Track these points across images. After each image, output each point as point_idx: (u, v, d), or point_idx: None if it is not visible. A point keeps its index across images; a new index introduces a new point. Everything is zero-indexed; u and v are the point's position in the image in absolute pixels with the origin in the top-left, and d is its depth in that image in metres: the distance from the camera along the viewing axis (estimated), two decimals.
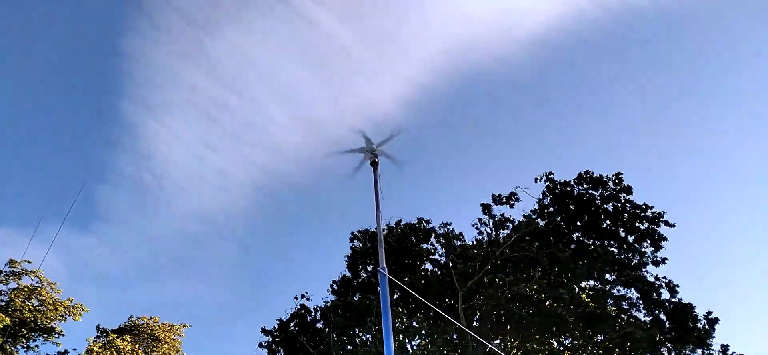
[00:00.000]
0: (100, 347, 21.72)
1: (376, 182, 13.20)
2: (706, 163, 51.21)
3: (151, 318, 23.66)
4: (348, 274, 28.67)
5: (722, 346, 22.49)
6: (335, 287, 28.48)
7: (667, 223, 24.27)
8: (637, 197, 24.79)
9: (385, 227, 27.08)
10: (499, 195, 26.09)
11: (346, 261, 28.78)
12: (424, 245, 26.97)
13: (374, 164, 13.28)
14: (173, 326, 23.89)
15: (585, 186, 25.57)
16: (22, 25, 47.35)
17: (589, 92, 52.30)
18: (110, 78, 52.94)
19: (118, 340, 21.95)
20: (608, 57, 52.93)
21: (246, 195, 53.27)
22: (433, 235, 26.93)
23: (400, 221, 27.82)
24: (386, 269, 11.79)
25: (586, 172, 25.70)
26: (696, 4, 47.88)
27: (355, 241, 29.14)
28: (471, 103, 52.55)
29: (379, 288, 14.17)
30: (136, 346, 22.55)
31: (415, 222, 27.32)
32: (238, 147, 52.62)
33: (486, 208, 26.31)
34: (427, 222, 27.26)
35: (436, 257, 26.86)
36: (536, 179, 26.18)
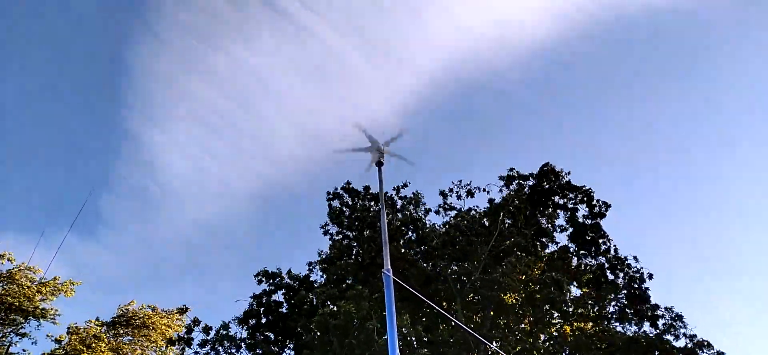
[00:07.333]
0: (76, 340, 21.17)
1: (381, 182, 13.10)
2: (700, 167, 52.00)
3: (148, 306, 23.24)
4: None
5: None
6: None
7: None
8: (632, 202, 25.16)
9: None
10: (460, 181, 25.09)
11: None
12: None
13: (379, 165, 13.14)
14: (172, 312, 23.54)
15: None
16: (27, 35, 47.54)
17: (585, 103, 52.92)
18: (115, 89, 53.52)
19: (97, 333, 21.41)
20: (603, 66, 53.44)
21: (247, 204, 53.93)
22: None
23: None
24: (391, 270, 11.72)
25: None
26: (690, 16, 48.30)
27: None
28: (469, 112, 53.17)
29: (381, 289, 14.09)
30: (117, 340, 21.97)
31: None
32: (239, 157, 53.20)
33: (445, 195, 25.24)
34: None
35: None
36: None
